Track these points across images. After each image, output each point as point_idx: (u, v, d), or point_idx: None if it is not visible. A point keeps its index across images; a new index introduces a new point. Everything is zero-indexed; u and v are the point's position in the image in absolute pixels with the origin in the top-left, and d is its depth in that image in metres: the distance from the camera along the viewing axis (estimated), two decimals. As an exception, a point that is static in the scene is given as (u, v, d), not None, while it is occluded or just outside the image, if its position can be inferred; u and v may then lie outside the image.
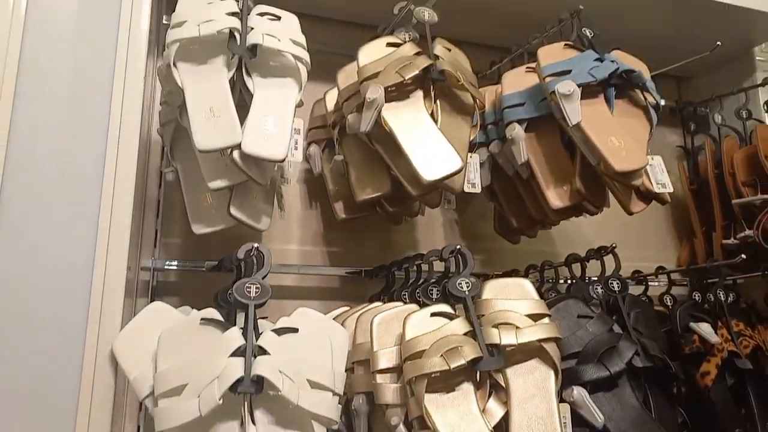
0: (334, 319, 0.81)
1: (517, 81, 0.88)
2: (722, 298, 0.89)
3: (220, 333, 0.57)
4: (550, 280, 0.94)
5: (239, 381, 0.53)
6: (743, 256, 0.89)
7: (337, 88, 0.84)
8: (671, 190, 0.77)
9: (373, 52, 0.78)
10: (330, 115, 0.89)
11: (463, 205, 1.10)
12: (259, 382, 0.54)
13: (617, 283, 0.79)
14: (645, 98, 0.81)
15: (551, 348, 0.64)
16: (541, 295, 0.87)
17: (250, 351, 0.55)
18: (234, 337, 0.56)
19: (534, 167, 0.83)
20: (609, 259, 0.85)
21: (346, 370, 0.71)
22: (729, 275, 1.09)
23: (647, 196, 0.78)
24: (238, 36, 0.67)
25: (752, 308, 1.05)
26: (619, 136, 0.75)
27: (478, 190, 0.80)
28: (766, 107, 1.09)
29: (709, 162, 1.11)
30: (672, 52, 1.02)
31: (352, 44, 0.82)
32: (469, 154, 0.81)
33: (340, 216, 0.88)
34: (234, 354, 0.55)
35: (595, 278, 0.85)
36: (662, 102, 0.80)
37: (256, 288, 0.58)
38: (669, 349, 0.86)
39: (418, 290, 0.76)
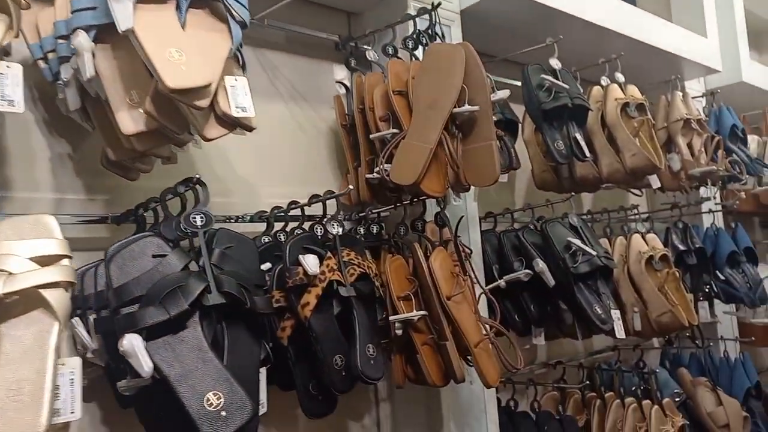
0: None
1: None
2: (334, 230, 0.89)
3: None
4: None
5: None
6: (351, 187, 0.90)
7: None
8: (252, 114, 0.71)
9: None
10: None
11: (82, 136, 0.93)
12: None
13: (201, 218, 0.72)
14: (231, 13, 0.73)
15: (54, 296, 0.53)
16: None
17: None
18: None
19: (105, 85, 0.70)
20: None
21: None
22: (375, 209, 1.13)
23: (228, 121, 0.71)
24: None
25: (391, 239, 1.11)
26: (184, 49, 0.66)
27: (18, 109, 0.65)
28: (402, 43, 1.13)
29: (355, 98, 1.11)
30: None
31: None
32: (6, 64, 0.65)
33: None
34: None
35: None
36: (246, 19, 0.73)
37: None
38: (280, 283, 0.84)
39: None
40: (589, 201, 1.83)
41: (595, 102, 1.41)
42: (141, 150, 0.74)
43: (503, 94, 0.97)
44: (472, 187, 1.16)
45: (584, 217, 1.57)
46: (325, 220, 0.91)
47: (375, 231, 1.13)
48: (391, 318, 0.96)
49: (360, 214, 1.14)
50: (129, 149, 0.76)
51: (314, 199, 0.95)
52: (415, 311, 0.96)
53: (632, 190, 1.59)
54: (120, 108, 0.69)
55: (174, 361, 0.64)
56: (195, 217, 0.71)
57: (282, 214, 1.00)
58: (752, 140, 2.04)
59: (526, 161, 1.51)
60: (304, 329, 0.83)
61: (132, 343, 0.61)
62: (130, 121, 0.70)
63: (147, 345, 0.63)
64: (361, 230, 1.13)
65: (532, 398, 1.39)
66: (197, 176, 0.75)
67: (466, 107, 0.95)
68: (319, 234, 0.92)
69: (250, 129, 0.73)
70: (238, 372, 0.67)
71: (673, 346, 1.72)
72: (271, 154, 1.16)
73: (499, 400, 1.36)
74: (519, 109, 1.42)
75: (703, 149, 1.57)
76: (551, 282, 1.17)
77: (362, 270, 0.88)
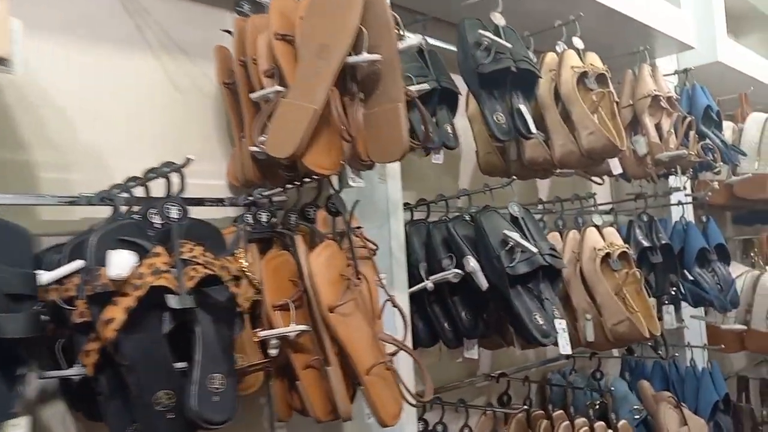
0: None
1: None
2: (171, 216, 0.66)
3: None
4: None
5: None
6: (191, 157, 0.66)
7: None
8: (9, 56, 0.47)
9: None
10: None
11: None
12: None
13: None
14: None
15: None
16: None
17: None
18: None
19: None
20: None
21: None
22: (267, 191, 0.90)
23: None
24: None
25: (278, 230, 0.87)
26: None
27: None
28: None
29: (235, 47, 0.87)
30: None
31: None
32: None
33: None
34: None
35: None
36: None
37: None
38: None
39: None
40: (545, 189, 1.61)
41: (549, 71, 1.19)
42: None
43: (414, 40, 0.74)
44: (388, 165, 0.93)
45: (537, 207, 1.36)
46: (162, 202, 0.67)
47: (264, 220, 0.90)
48: (260, 334, 0.73)
49: (248, 198, 0.91)
50: None
51: (152, 173, 0.71)
52: (293, 325, 0.73)
53: (592, 177, 1.38)
54: None
55: None
56: None
57: (128, 196, 0.75)
58: (727, 127, 1.85)
59: (472, 143, 1.29)
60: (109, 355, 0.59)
61: None
62: None
63: None
64: (249, 218, 0.90)
65: (464, 421, 1.17)
66: None
67: (365, 56, 0.72)
68: (157, 222, 0.68)
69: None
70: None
71: (635, 356, 1.53)
72: (133, 118, 0.91)
73: (426, 423, 1.14)
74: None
75: (672, 131, 1.37)
76: (484, 284, 0.95)
77: (210, 271, 0.64)
